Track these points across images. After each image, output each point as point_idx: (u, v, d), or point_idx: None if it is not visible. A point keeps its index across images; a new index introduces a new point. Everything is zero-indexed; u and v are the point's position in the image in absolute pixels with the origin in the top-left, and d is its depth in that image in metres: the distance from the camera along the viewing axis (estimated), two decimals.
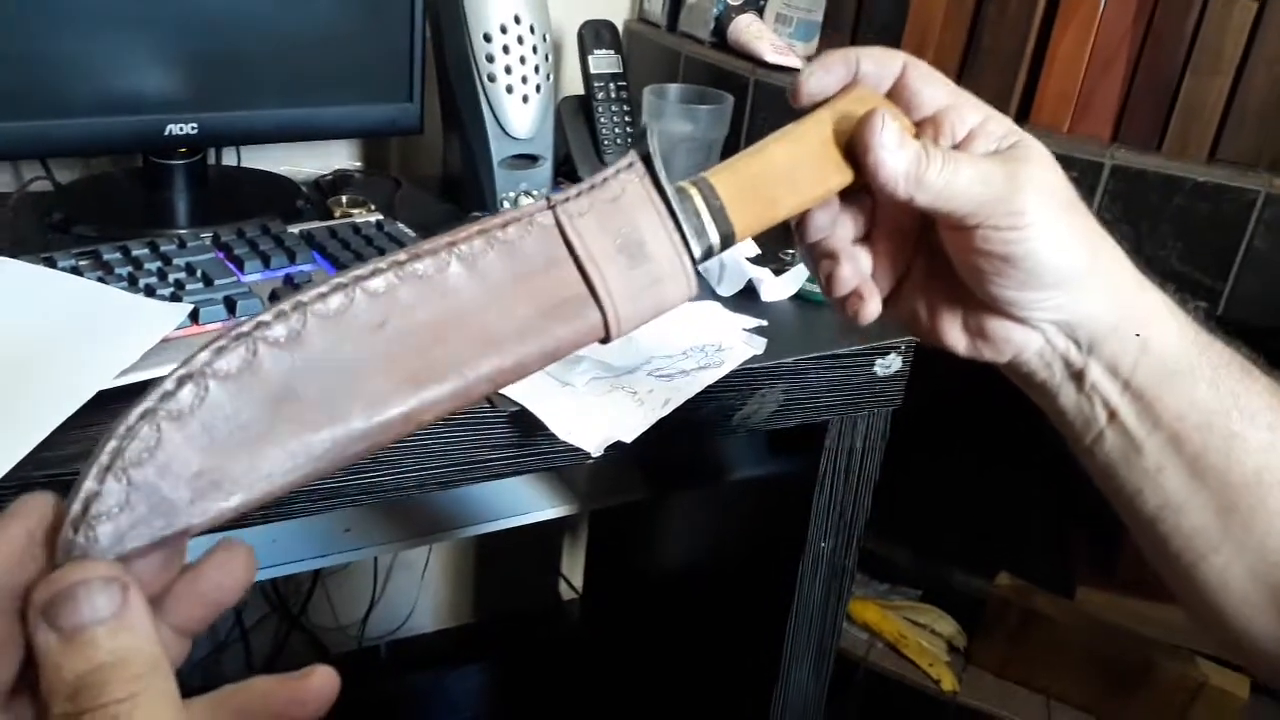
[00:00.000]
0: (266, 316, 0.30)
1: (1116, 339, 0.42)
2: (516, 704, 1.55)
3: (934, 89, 0.41)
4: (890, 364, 0.85)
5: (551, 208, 0.34)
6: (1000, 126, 0.41)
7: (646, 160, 0.35)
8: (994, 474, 1.20)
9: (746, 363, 0.79)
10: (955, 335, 0.45)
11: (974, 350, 0.45)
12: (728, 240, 0.38)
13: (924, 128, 0.41)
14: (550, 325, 0.34)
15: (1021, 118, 0.95)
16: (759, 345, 0.81)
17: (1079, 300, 0.41)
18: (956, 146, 0.41)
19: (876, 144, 0.38)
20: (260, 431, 0.29)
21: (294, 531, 1.06)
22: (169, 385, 0.28)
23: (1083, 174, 0.89)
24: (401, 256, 0.32)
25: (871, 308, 0.44)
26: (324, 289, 0.30)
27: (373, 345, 0.31)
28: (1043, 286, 0.40)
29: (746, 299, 0.91)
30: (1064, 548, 1.27)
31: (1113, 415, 0.43)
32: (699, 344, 0.80)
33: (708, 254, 0.38)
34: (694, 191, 0.38)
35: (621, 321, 0.35)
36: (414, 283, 0.31)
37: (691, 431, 0.79)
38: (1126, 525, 0.46)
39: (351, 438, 0.30)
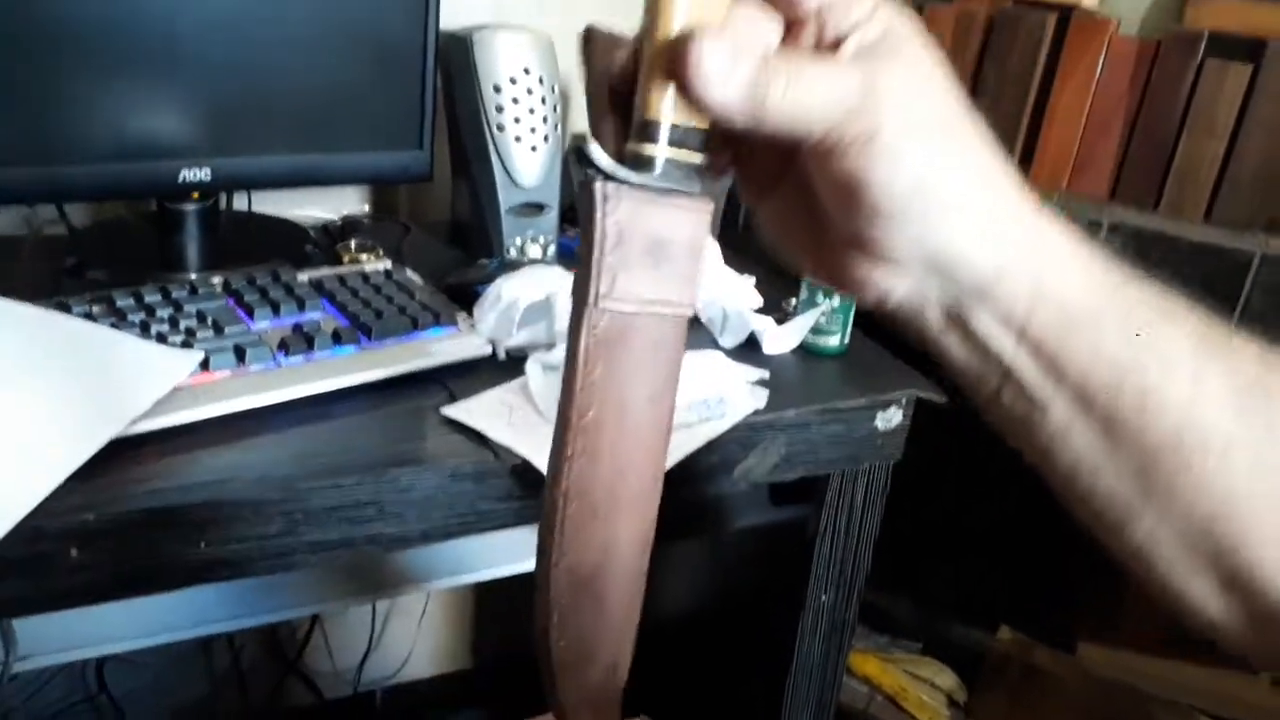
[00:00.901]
0: None
1: (1005, 283, 0.35)
2: None
3: None
4: (891, 418, 0.86)
5: (592, 306, 0.33)
6: (883, 21, 0.34)
7: (602, 179, 0.33)
8: (995, 527, 1.20)
9: (749, 416, 0.79)
10: (814, 265, 0.39)
11: (837, 283, 0.39)
12: (706, 135, 0.34)
13: (804, 26, 0.35)
14: (661, 363, 0.35)
15: (1021, 175, 0.96)
16: (761, 398, 0.82)
17: (945, 235, 0.34)
18: (835, 45, 0.34)
19: (698, 81, 0.32)
20: None
21: (294, 578, 1.06)
22: None
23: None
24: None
25: (719, 164, 0.36)
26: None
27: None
28: (897, 215, 0.34)
29: (749, 350, 0.92)
30: (1065, 602, 1.27)
31: (1008, 372, 0.37)
32: (701, 397, 0.81)
33: (700, 165, 0.34)
34: (647, 146, 0.33)
35: (692, 300, 0.35)
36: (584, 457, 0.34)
37: (693, 483, 0.79)
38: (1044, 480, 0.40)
39: None
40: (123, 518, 0.59)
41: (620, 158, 0.33)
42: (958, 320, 0.37)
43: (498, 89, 1.00)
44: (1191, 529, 0.37)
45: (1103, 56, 0.91)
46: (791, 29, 0.35)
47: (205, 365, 0.70)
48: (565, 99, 1.14)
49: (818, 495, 0.91)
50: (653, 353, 0.34)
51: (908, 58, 0.33)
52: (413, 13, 0.99)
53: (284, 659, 1.38)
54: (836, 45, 0.34)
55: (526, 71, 1.01)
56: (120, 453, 0.62)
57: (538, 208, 1.06)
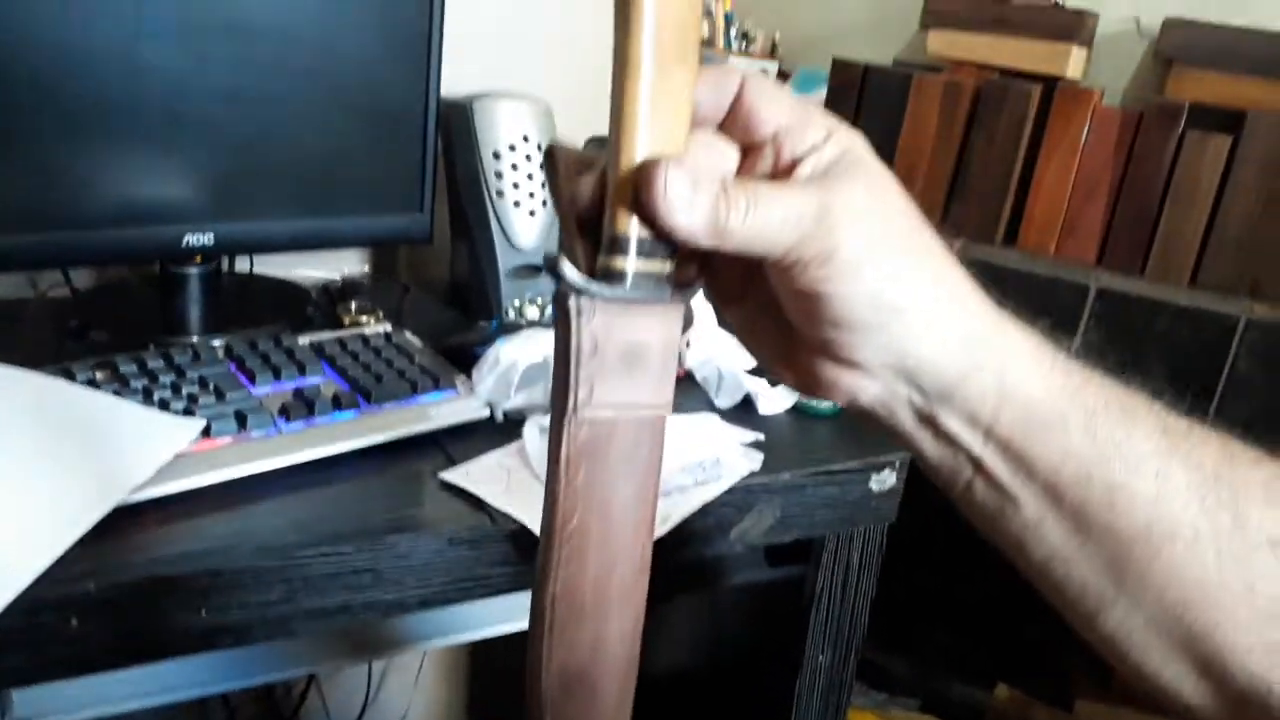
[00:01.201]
0: None
1: (969, 385, 0.37)
2: None
3: (773, 107, 0.36)
4: (885, 480, 0.87)
5: (571, 415, 0.34)
6: (837, 145, 0.36)
7: (573, 294, 0.34)
8: (991, 584, 1.20)
9: (744, 478, 0.80)
10: (782, 368, 0.41)
11: (805, 388, 0.40)
12: (669, 244, 0.35)
13: (760, 151, 0.36)
14: (640, 461, 0.36)
15: (1009, 241, 0.98)
16: (756, 460, 0.83)
17: (911, 343, 0.36)
18: (791, 168, 0.36)
19: (663, 208, 0.33)
20: None
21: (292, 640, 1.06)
22: None
23: (1069, 296, 0.93)
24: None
25: (688, 274, 0.37)
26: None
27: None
28: (861, 328, 0.35)
29: (744, 410, 0.93)
30: (1062, 659, 1.27)
31: (978, 466, 0.38)
32: (697, 459, 0.82)
33: (672, 277, 0.35)
34: (617, 259, 0.34)
35: (668, 399, 0.36)
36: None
37: (688, 545, 0.80)
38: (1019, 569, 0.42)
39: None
40: (123, 587, 0.59)
41: (592, 272, 0.34)
42: (928, 419, 0.38)
43: (497, 155, 1.03)
44: (1164, 616, 0.38)
45: (1087, 126, 0.94)
46: (748, 153, 0.37)
47: (207, 432, 0.71)
48: None
49: (814, 556, 0.91)
50: (632, 454, 0.36)
51: (862, 178, 0.35)
52: (414, 80, 1.02)
53: (280, 717, 1.37)
54: (792, 168, 0.36)
55: (525, 139, 1.04)
56: (122, 520, 0.63)
57: (536, 270, 1.08)
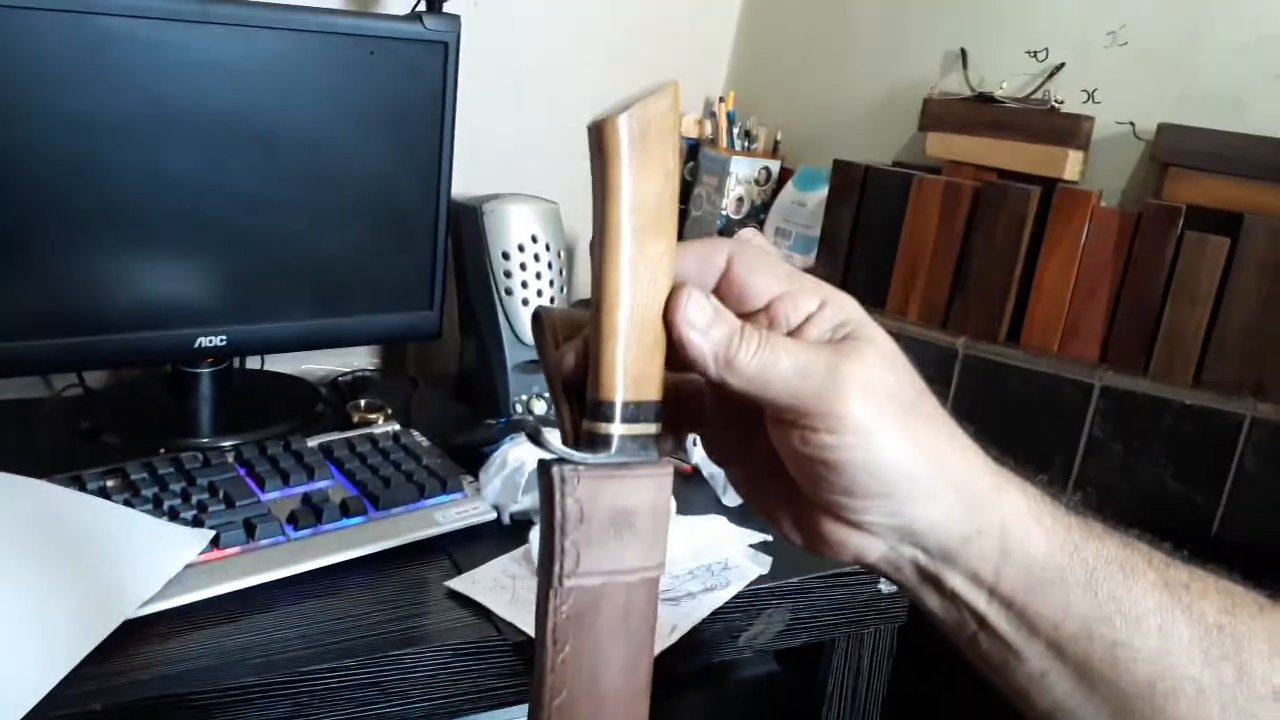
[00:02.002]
0: None
1: (972, 547, 0.37)
2: None
3: (764, 279, 0.37)
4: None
5: (557, 586, 0.35)
6: (838, 313, 0.37)
7: (556, 464, 0.34)
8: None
9: (752, 582, 0.80)
10: (788, 527, 0.40)
11: (809, 547, 0.40)
12: (656, 408, 0.35)
13: (755, 318, 0.37)
14: (631, 626, 0.36)
15: (1012, 339, 0.99)
16: (765, 563, 0.82)
17: (918, 508, 0.36)
18: (790, 335, 0.36)
19: (681, 321, 0.34)
20: None
21: None
22: None
23: (1074, 394, 0.93)
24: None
25: (668, 445, 0.38)
26: None
27: None
28: (870, 494, 0.36)
29: (751, 510, 0.93)
30: None
31: (982, 621, 0.39)
32: (704, 563, 0.82)
33: (656, 438, 0.36)
34: (602, 427, 0.34)
35: (660, 560, 0.36)
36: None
37: (697, 651, 0.79)
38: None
39: None
40: (130, 706, 0.59)
41: (577, 438, 0.35)
42: (931, 578, 0.39)
43: (506, 255, 1.05)
44: None
45: (1086, 227, 0.95)
46: (743, 319, 0.37)
47: (216, 542, 0.71)
48: (570, 255, 1.19)
49: (824, 658, 0.90)
50: (623, 620, 0.35)
51: (871, 347, 0.36)
52: (426, 184, 1.04)
53: None
54: (789, 336, 0.37)
55: (534, 239, 1.06)
56: (130, 634, 0.63)
57: None
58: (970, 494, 0.37)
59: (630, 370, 0.34)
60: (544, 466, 0.34)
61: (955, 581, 0.38)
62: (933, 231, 1.03)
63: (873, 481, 0.36)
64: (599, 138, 0.33)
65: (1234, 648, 0.37)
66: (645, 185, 0.34)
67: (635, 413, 0.34)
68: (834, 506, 0.37)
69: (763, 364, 0.34)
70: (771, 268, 0.37)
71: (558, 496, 0.33)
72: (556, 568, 0.34)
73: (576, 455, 0.34)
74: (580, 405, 0.35)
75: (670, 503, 0.36)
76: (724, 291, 0.37)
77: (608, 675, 0.35)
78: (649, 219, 0.34)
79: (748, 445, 0.41)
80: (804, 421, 0.35)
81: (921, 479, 0.36)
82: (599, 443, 0.34)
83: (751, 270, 0.37)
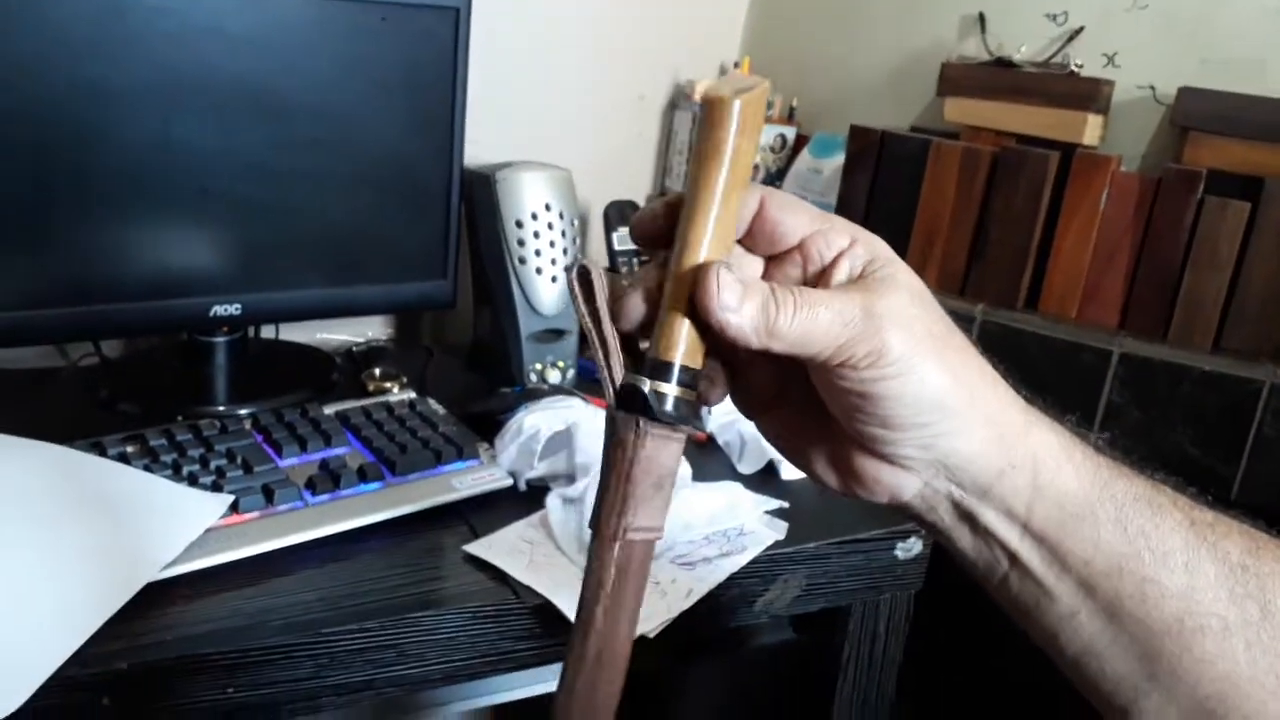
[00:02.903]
0: None
1: (1005, 481, 0.38)
2: None
3: (796, 217, 0.38)
4: (911, 547, 0.86)
5: (620, 538, 0.36)
6: (868, 250, 0.38)
7: (637, 418, 0.35)
8: (1021, 654, 1.18)
9: (768, 548, 0.80)
10: (824, 469, 0.41)
11: (845, 488, 0.41)
12: (697, 377, 0.36)
13: (789, 258, 0.39)
14: (644, 576, 0.37)
15: (1030, 306, 0.98)
16: (781, 529, 0.82)
17: (953, 440, 0.37)
18: (821, 273, 0.38)
19: (716, 309, 0.35)
20: None
21: None
22: None
23: (1092, 360, 0.92)
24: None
25: (713, 397, 0.39)
26: None
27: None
28: (908, 425, 0.37)
29: (767, 476, 0.93)
30: None
31: (1015, 559, 0.39)
32: (721, 528, 0.82)
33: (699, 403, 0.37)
34: (666, 388, 0.35)
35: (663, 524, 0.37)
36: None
37: (714, 616, 0.80)
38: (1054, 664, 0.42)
39: None
40: (154, 665, 0.59)
41: (620, 391, 0.36)
42: (966, 515, 0.39)
43: (519, 224, 1.04)
44: (1196, 711, 0.38)
45: (1106, 192, 0.94)
46: (775, 263, 0.39)
47: (235, 507, 0.72)
48: (583, 225, 1.19)
49: (840, 624, 0.91)
50: (642, 574, 0.37)
51: (901, 283, 0.37)
52: (439, 152, 1.04)
53: None
54: (822, 273, 0.38)
55: (547, 207, 1.05)
56: (153, 596, 0.63)
57: (557, 334, 1.09)
58: (1003, 427, 0.38)
59: (690, 335, 0.35)
60: (620, 423, 0.35)
61: (988, 517, 0.39)
62: (950, 197, 1.03)
63: (910, 412, 0.36)
64: (714, 111, 0.35)
65: (1258, 587, 0.38)
66: (744, 149, 0.36)
67: (687, 378, 0.35)
68: (872, 440, 0.38)
69: (803, 325, 0.35)
70: (803, 207, 0.38)
71: (637, 450, 0.35)
72: (626, 519, 0.35)
73: (659, 411, 0.35)
74: (633, 361, 0.36)
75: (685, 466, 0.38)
76: (757, 230, 0.38)
77: (627, 631, 0.36)
78: (741, 177, 0.36)
79: (780, 397, 0.41)
80: (846, 362, 0.36)
81: (956, 410, 0.37)
82: (661, 402, 0.35)
83: (783, 210, 0.38)
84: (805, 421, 0.41)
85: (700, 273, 0.35)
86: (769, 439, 0.43)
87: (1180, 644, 0.38)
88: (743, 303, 0.35)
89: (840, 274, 0.38)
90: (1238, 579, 0.38)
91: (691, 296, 0.35)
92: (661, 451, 0.35)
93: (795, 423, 0.42)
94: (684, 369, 0.35)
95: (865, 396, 0.36)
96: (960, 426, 0.37)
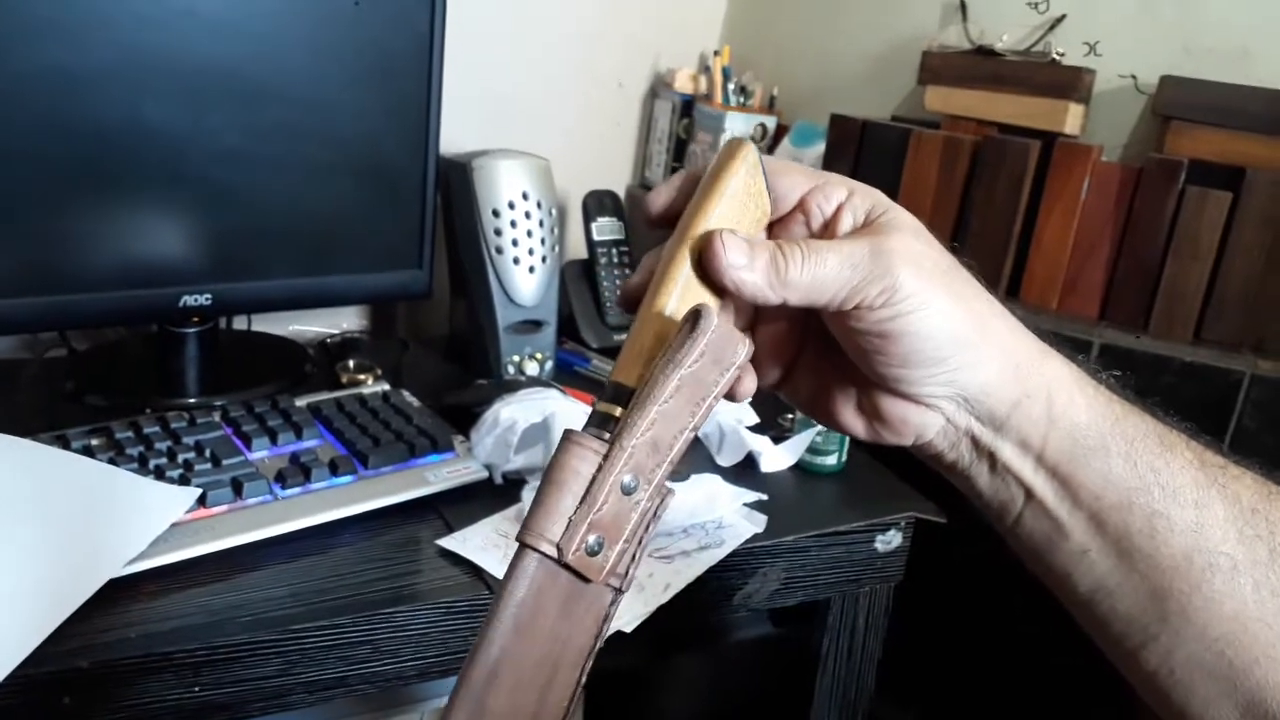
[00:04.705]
0: None
1: (1021, 412, 0.39)
2: None
3: (792, 178, 0.40)
4: (891, 540, 0.86)
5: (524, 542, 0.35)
6: (867, 199, 0.39)
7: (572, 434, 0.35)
8: (1004, 644, 1.18)
9: (747, 541, 0.79)
10: (851, 418, 0.42)
11: (873, 434, 0.42)
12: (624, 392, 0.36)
13: (792, 218, 0.40)
14: (577, 620, 0.35)
15: (1011, 296, 0.98)
16: (760, 522, 0.82)
17: (970, 372, 0.38)
18: (825, 227, 0.39)
19: (726, 267, 0.37)
20: None
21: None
22: None
23: (1072, 351, 0.92)
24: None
25: (746, 386, 0.41)
26: None
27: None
28: (927, 362, 0.38)
29: (746, 469, 0.92)
30: (1078, 717, 1.24)
31: (1030, 494, 0.40)
32: (699, 520, 0.81)
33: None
34: (597, 403, 0.37)
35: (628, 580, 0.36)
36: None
37: (692, 611, 0.79)
38: (1065, 608, 0.43)
39: None
40: (116, 664, 0.58)
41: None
42: (985, 452, 0.40)
43: (496, 213, 1.03)
44: (1205, 652, 0.38)
45: (1087, 182, 0.94)
46: (779, 225, 0.41)
47: (203, 501, 0.70)
48: (562, 214, 1.17)
49: (819, 618, 0.90)
50: (563, 597, 0.36)
51: (902, 222, 0.38)
52: (413, 140, 1.02)
53: None
54: (826, 227, 0.40)
55: (525, 196, 1.04)
56: (116, 593, 0.62)
57: (535, 325, 1.07)
58: (1016, 357, 0.39)
59: (638, 348, 0.37)
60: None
61: (1006, 452, 0.40)
62: (931, 187, 1.02)
63: (927, 346, 0.37)
64: (730, 150, 0.38)
65: (1268, 530, 0.38)
66: (750, 190, 0.39)
67: (613, 393, 0.37)
68: (893, 381, 0.39)
69: (813, 272, 0.37)
70: (796, 168, 0.40)
71: (556, 455, 0.35)
72: (531, 523, 0.34)
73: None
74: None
75: None
76: None
77: (539, 654, 0.36)
78: (740, 202, 0.39)
79: (799, 359, 0.43)
80: (861, 303, 0.37)
81: (972, 342, 0.38)
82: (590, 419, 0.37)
83: (780, 173, 0.39)
84: (827, 377, 0.42)
85: (707, 239, 0.37)
86: (795, 403, 0.45)
87: (1189, 582, 0.38)
88: (753, 260, 0.37)
89: (844, 224, 0.39)
90: (1247, 520, 0.38)
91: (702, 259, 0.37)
92: (571, 457, 0.34)
93: (818, 380, 0.43)
94: (615, 384, 0.36)
95: (884, 336, 0.37)
96: (977, 358, 0.38)
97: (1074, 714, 1.25)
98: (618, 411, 0.35)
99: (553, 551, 0.33)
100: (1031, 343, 0.40)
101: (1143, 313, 0.92)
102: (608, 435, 0.35)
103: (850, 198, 0.39)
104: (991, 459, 0.40)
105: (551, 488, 0.34)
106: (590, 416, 0.36)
